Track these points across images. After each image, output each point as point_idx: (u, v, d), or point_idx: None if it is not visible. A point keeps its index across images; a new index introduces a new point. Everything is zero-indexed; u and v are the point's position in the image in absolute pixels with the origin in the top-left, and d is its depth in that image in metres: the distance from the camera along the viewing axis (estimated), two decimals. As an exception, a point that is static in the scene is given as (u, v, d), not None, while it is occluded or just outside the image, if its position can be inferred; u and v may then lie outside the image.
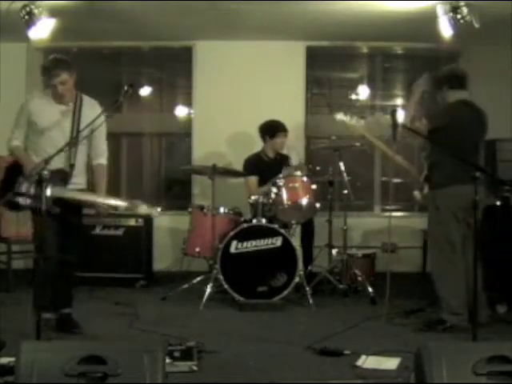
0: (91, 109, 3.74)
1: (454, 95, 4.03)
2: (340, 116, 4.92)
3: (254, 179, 5.38)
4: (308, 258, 5.26)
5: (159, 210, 3.55)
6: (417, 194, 4.36)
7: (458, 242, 3.93)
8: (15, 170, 3.64)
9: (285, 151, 5.58)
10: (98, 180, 3.84)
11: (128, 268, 5.43)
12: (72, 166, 3.65)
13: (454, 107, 4.01)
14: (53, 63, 3.64)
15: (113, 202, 3.59)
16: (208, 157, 6.03)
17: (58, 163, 3.59)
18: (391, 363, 3.20)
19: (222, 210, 4.99)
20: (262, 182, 5.27)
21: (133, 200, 3.57)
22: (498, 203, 4.53)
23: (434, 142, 3.97)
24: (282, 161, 5.45)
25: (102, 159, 3.85)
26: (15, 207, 3.65)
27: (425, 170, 4.14)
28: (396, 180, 5.72)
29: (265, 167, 5.35)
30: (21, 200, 3.57)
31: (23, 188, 3.54)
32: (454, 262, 3.90)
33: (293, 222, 4.91)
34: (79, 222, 3.88)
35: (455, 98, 4.01)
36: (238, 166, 5.54)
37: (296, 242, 4.90)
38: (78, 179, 3.74)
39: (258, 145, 5.59)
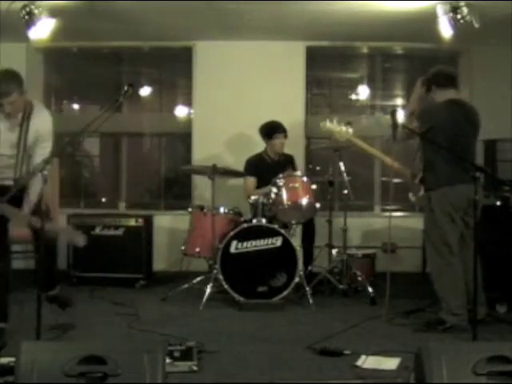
0: (39, 119, 3.66)
1: (442, 94, 4.03)
2: (326, 125, 4.86)
3: (252, 180, 5.37)
4: (308, 258, 5.26)
5: (83, 241, 3.47)
6: (411, 196, 4.36)
7: (454, 242, 3.92)
8: None
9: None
10: (30, 186, 3.63)
11: (128, 268, 5.43)
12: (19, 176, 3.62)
13: (439, 107, 4.00)
14: (3, 80, 3.48)
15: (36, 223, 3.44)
16: (208, 157, 6.04)
17: (8, 174, 3.61)
18: (391, 363, 3.21)
19: (221, 209, 4.98)
20: (263, 183, 5.25)
21: (63, 227, 3.60)
22: (498, 203, 4.53)
23: (427, 142, 3.96)
24: (285, 162, 5.43)
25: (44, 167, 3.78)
26: None
27: (420, 171, 4.13)
28: (396, 180, 5.71)
29: (266, 168, 5.33)
30: None
31: None
32: (452, 263, 3.90)
33: (293, 222, 4.91)
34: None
35: (444, 97, 4.01)
36: (238, 166, 5.54)
37: (296, 242, 4.90)
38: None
39: (257, 145, 5.59)
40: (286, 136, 5.38)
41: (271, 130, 5.34)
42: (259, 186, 5.33)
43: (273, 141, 5.34)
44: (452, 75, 4.09)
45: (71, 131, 3.62)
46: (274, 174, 4.94)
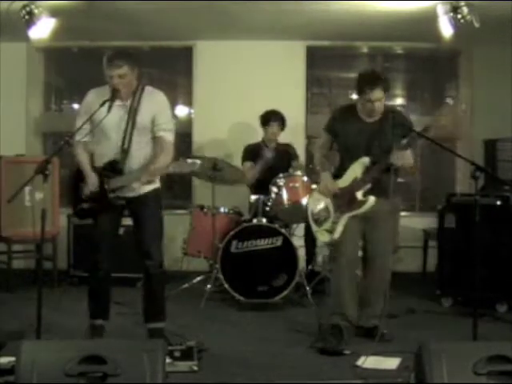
0: (150, 102, 3.56)
1: None
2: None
3: (247, 165, 5.35)
4: (309, 258, 5.25)
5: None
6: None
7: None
8: (80, 174, 3.61)
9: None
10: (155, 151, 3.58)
11: (128, 267, 5.41)
12: (125, 151, 3.49)
13: None
14: (115, 54, 3.47)
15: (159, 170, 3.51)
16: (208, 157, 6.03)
17: (111, 155, 3.53)
18: (391, 363, 3.21)
19: (222, 209, 4.99)
20: (260, 172, 5.23)
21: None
22: (498, 203, 4.53)
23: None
24: (283, 152, 5.37)
25: (162, 132, 3.57)
26: (84, 216, 3.67)
27: None
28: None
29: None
30: (84, 206, 3.58)
31: (84, 193, 3.56)
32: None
33: (293, 222, 4.91)
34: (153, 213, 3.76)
35: None
36: (238, 165, 5.53)
37: (297, 241, 4.88)
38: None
39: (258, 145, 5.59)
40: (281, 126, 5.33)
41: (267, 117, 5.33)
42: (257, 175, 5.28)
43: (267, 128, 5.33)
44: None
45: (71, 131, 3.61)
46: (272, 164, 5.01)
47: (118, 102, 3.47)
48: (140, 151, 3.53)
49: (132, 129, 3.49)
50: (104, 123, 3.45)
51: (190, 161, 3.43)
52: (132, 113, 3.50)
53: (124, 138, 3.48)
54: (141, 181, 3.48)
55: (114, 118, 3.45)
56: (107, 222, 3.60)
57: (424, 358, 2.31)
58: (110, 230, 3.64)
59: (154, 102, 3.58)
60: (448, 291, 4.67)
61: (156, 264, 3.71)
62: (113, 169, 3.50)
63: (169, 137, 3.57)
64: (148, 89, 3.62)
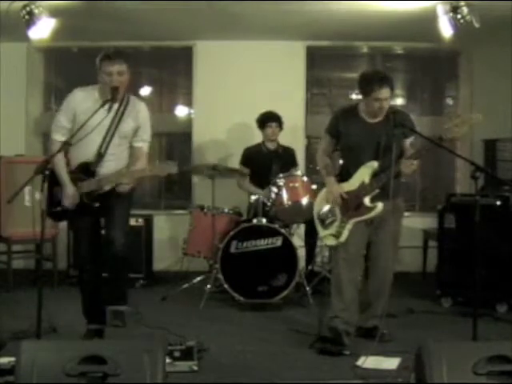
0: (135, 111, 3.61)
1: None
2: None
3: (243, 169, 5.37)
4: (310, 257, 5.25)
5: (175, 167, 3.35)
6: None
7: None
8: (55, 177, 3.56)
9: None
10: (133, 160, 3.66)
11: (128, 268, 5.42)
12: (100, 155, 3.51)
13: None
14: (115, 51, 3.53)
15: (136, 173, 3.48)
16: (208, 157, 6.03)
17: (86, 157, 3.54)
18: (391, 363, 3.21)
19: (222, 209, 4.99)
20: (259, 173, 5.22)
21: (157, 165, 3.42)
22: (498, 203, 4.53)
23: None
24: (284, 154, 5.39)
25: (142, 143, 3.68)
26: (58, 218, 3.72)
27: None
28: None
29: (262, 158, 5.30)
30: (58, 209, 3.59)
31: (58, 196, 3.58)
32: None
33: (293, 222, 4.91)
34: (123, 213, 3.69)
35: None
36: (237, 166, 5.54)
37: (297, 241, 4.88)
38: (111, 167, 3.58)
39: (258, 144, 5.59)
40: (279, 126, 5.34)
41: (263, 120, 5.34)
42: (256, 175, 5.28)
43: (265, 130, 5.34)
44: None
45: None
46: (271, 165, 5.03)
47: (106, 106, 3.46)
48: (115, 157, 3.58)
49: (113, 134, 3.53)
50: (91, 124, 3.42)
51: (170, 162, 3.44)
52: (117, 118, 3.54)
53: (103, 141, 3.52)
54: (113, 182, 3.49)
55: (101, 120, 3.46)
56: (85, 223, 3.61)
57: (424, 358, 2.31)
58: (89, 230, 3.63)
59: (138, 111, 3.64)
60: (448, 291, 4.67)
61: (117, 249, 3.55)
62: (86, 171, 3.52)
63: (146, 148, 3.70)
64: (133, 97, 3.70)
